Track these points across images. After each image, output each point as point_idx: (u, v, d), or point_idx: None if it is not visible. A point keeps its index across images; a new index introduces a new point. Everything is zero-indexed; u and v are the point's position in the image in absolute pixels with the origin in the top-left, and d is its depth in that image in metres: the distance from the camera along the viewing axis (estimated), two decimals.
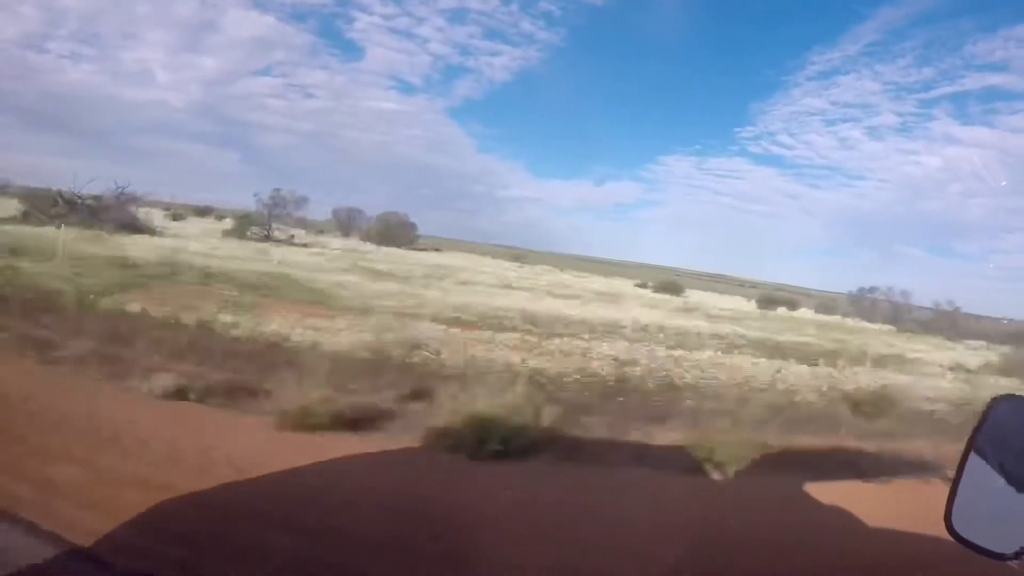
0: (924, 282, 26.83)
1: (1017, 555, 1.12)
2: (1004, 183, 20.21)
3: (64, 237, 12.69)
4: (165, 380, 5.01)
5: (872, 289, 21.46)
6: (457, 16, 22.86)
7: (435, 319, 9.92)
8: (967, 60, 19.86)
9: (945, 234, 24.53)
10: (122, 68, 23.21)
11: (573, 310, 13.66)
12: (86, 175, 20.00)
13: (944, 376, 11.20)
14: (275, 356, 6.42)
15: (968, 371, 12.21)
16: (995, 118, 20.47)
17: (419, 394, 5.47)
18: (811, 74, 22.56)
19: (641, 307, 16.49)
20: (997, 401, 1.30)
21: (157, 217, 20.15)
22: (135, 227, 17.62)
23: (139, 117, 23.94)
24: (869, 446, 5.63)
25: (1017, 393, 1.30)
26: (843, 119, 22.82)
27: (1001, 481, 1.22)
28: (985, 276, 22.66)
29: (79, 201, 17.51)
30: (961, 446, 1.29)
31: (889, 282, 24.53)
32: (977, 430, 1.31)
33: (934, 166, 21.81)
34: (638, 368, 8.25)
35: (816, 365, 9.85)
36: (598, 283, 22.13)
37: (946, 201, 22.52)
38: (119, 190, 18.75)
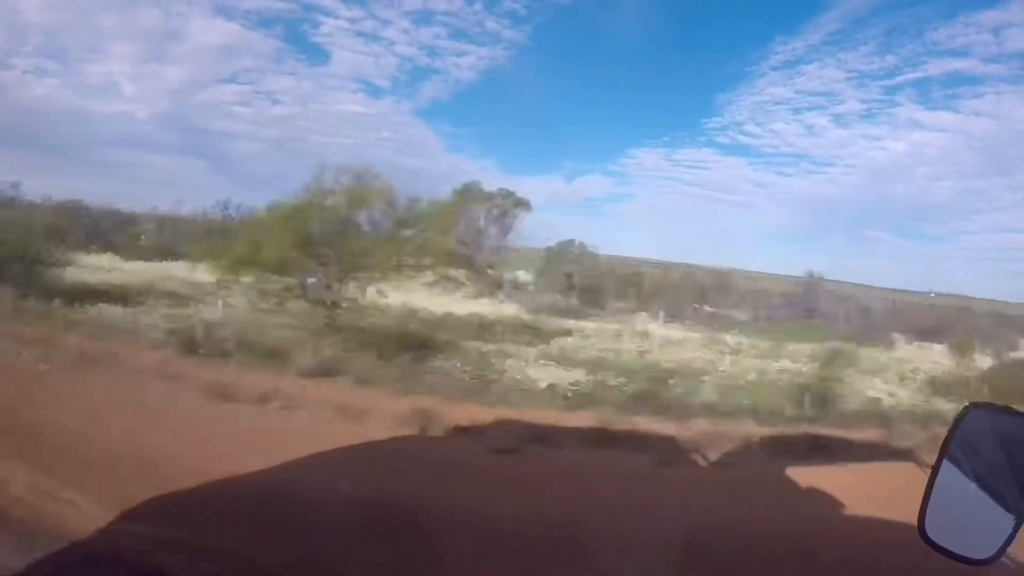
0: (894, 265, 27.88)
1: (991, 559, 1.12)
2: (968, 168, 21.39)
3: None
4: None
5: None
6: (423, 17, 22.74)
7: None
8: (928, 47, 20.75)
9: (913, 217, 25.59)
10: (87, 81, 22.24)
11: None
12: (51, 189, 19.31)
13: None
14: None
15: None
16: (958, 102, 21.47)
17: None
18: (775, 64, 23.25)
19: None
20: (969, 409, 1.32)
21: None
22: None
23: (105, 129, 23.00)
24: None
25: (984, 402, 1.32)
26: (808, 107, 23.50)
27: (974, 487, 1.23)
28: (955, 257, 23.79)
29: None
30: None
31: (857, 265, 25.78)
32: (949, 437, 1.32)
33: (900, 151, 22.78)
34: None
35: None
36: None
37: (913, 185, 23.49)
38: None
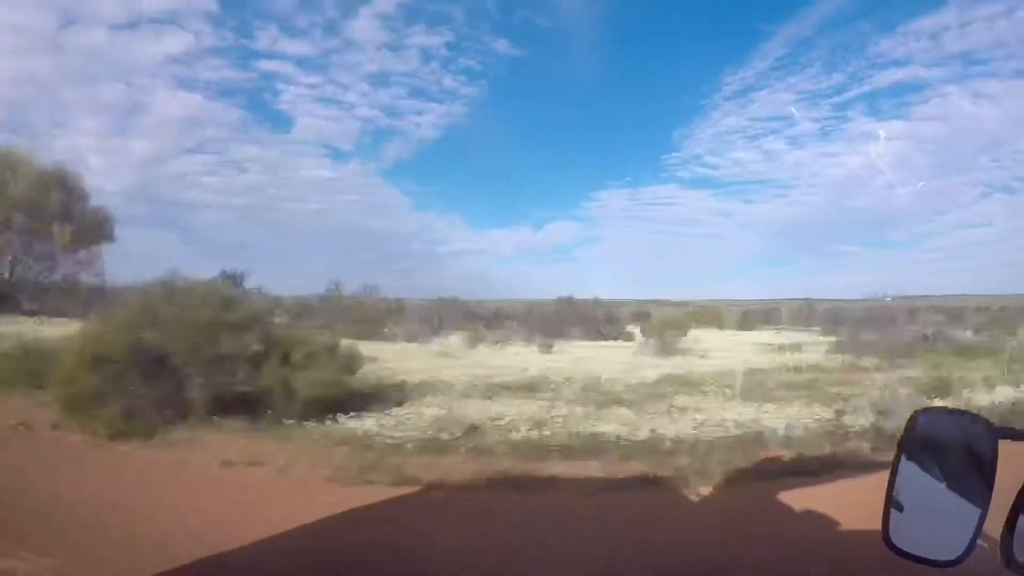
0: (864, 276, 28.83)
1: (960, 559, 1.14)
2: (921, 184, 22.49)
3: None
4: None
5: None
6: (380, 79, 23.11)
7: None
8: (872, 60, 22.08)
9: (878, 227, 26.68)
10: (54, 156, 21.51)
11: None
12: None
13: None
14: None
15: None
16: (907, 110, 22.85)
17: None
18: (727, 94, 24.25)
19: None
20: (918, 414, 1.37)
21: None
22: None
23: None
24: None
25: (933, 405, 1.37)
26: (764, 132, 24.54)
27: (934, 489, 1.27)
28: (923, 260, 24.85)
29: None
30: None
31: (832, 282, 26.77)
32: (902, 444, 1.37)
33: (857, 164, 23.92)
34: None
35: None
36: None
37: (873, 195, 24.59)
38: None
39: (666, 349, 16.16)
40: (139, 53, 21.28)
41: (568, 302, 21.62)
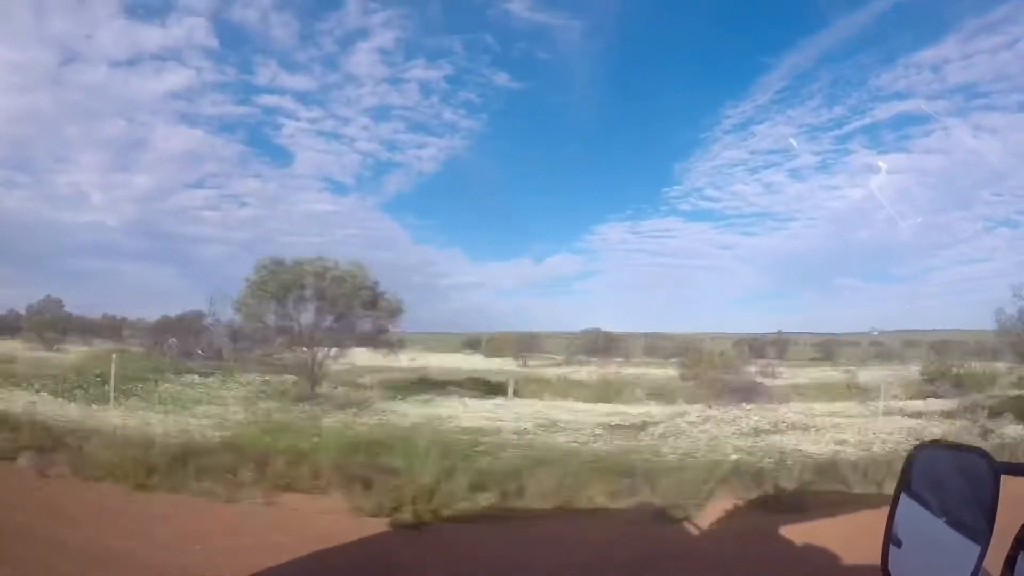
0: (865, 311, 28.75)
1: None
2: (920, 219, 22.61)
3: None
4: None
5: None
6: (381, 113, 23.46)
7: None
8: (873, 92, 22.27)
9: (880, 260, 26.66)
10: (56, 192, 21.95)
11: None
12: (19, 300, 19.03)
13: None
14: None
15: None
16: (909, 143, 23.01)
17: None
18: (727, 127, 24.53)
19: None
20: (918, 450, 1.37)
21: None
22: None
23: (75, 239, 22.70)
24: None
25: (933, 440, 1.37)
26: (764, 165, 24.72)
27: (934, 525, 1.26)
28: (924, 295, 24.72)
29: None
30: None
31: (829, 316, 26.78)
32: (903, 477, 1.37)
33: (858, 197, 23.99)
34: None
35: None
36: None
37: (875, 229, 24.62)
38: None
39: None
40: (140, 89, 21.69)
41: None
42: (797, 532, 5.62)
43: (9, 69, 20.33)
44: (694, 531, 6.32)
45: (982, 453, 1.16)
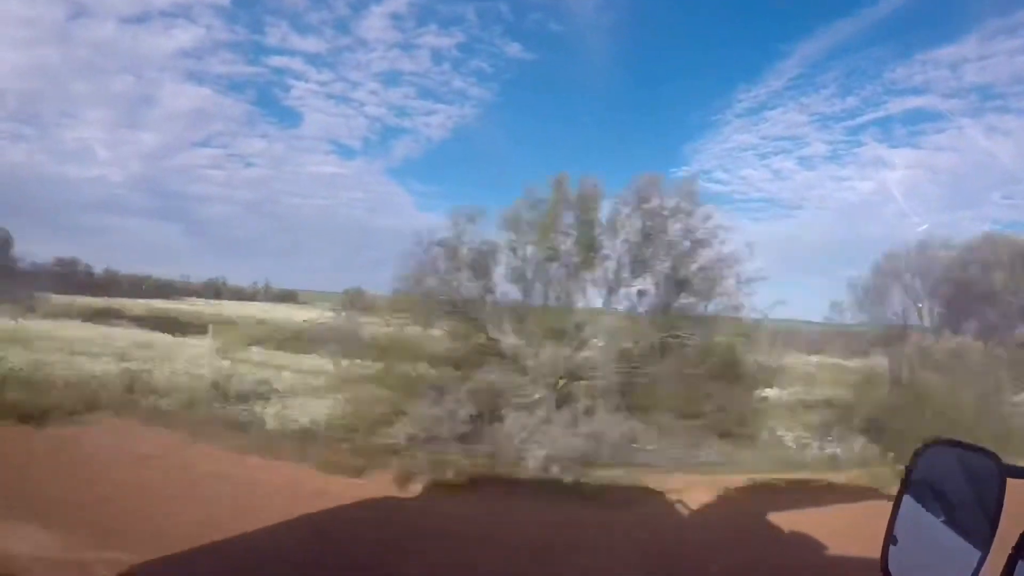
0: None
1: None
2: (924, 226, 22.12)
3: None
4: None
5: None
6: (391, 78, 23.17)
7: None
8: (888, 86, 21.57)
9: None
10: (62, 147, 22.16)
11: None
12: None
13: None
14: None
15: None
16: (922, 139, 22.34)
17: None
18: (739, 111, 23.93)
19: None
20: (925, 448, 1.34)
21: None
22: None
23: (80, 194, 22.96)
24: None
25: (942, 438, 1.33)
26: (774, 152, 24.12)
27: (936, 526, 1.24)
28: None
29: None
30: None
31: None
32: (908, 474, 1.33)
33: (867, 190, 23.46)
34: None
35: None
36: None
37: (883, 223, 24.13)
38: None
39: None
40: (149, 46, 21.71)
41: None
42: None
43: (18, 23, 20.44)
44: None
45: (990, 455, 1.13)
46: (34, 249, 20.51)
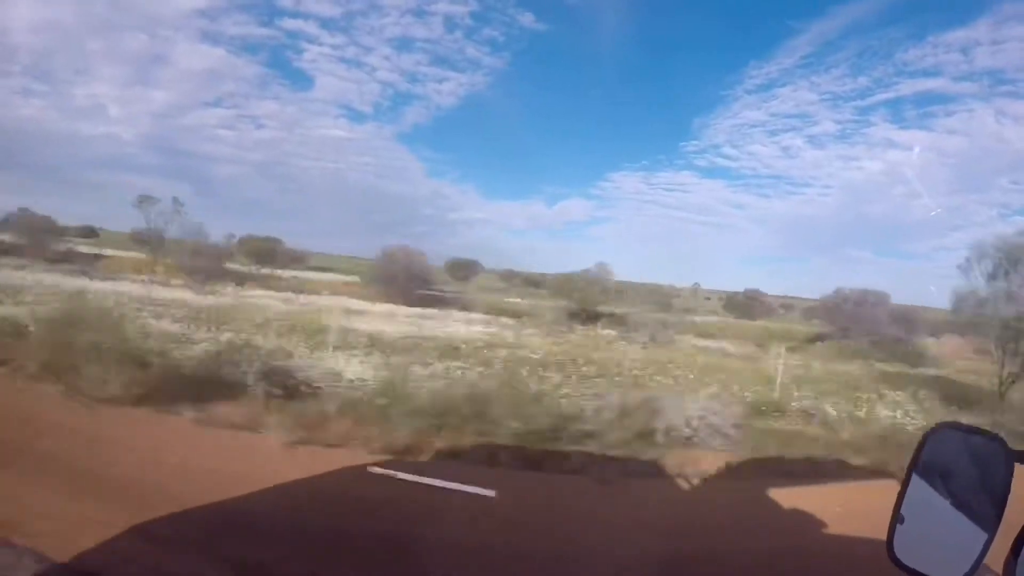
0: (874, 283, 27.97)
1: None
2: (936, 210, 21.59)
3: None
4: None
5: None
6: (404, 44, 23.03)
7: None
8: (899, 67, 21.13)
9: (892, 236, 25.81)
10: (73, 103, 22.33)
11: None
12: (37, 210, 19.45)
13: None
14: None
15: None
16: (932, 121, 21.86)
17: None
18: (750, 87, 23.56)
19: None
20: (934, 430, 1.34)
21: None
22: None
23: (90, 151, 23.15)
24: None
25: (950, 421, 1.34)
26: (784, 129, 23.85)
27: (943, 507, 1.25)
28: (936, 274, 24.02)
29: None
30: None
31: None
32: (915, 459, 1.34)
33: (876, 170, 23.09)
34: None
35: None
36: None
37: (890, 203, 23.77)
38: None
39: None
40: (164, 5, 21.63)
41: None
42: None
43: None
44: None
45: (998, 440, 1.13)
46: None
